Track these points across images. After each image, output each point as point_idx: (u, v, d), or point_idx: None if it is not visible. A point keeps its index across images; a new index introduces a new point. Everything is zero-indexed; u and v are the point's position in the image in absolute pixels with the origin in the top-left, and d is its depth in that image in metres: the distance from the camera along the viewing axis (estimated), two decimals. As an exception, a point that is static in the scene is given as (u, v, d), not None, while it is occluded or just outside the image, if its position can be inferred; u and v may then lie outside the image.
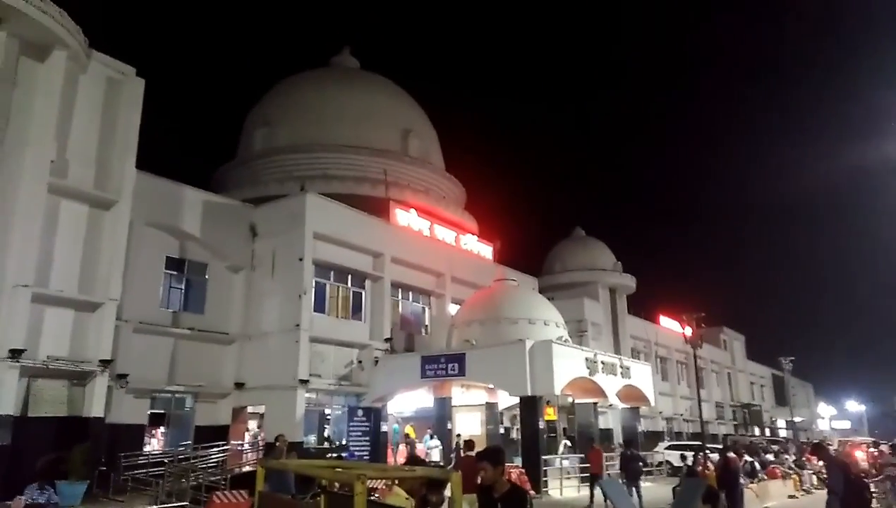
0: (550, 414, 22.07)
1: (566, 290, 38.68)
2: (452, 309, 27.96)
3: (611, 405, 24.94)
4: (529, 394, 19.73)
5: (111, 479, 16.28)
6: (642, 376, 25.49)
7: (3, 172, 15.98)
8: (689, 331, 24.22)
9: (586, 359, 21.71)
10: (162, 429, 20.33)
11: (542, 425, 20.57)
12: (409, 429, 24.17)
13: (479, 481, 5.52)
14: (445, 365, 21.34)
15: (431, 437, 21.19)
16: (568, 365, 20.58)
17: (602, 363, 22.50)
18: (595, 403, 24.23)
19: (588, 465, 18.68)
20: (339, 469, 5.46)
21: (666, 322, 46.53)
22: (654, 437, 35.70)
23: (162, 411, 20.32)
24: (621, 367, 23.76)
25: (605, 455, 19.25)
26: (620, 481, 16.85)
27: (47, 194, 16.55)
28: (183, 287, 21.82)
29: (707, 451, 21.22)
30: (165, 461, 17.47)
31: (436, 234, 28.97)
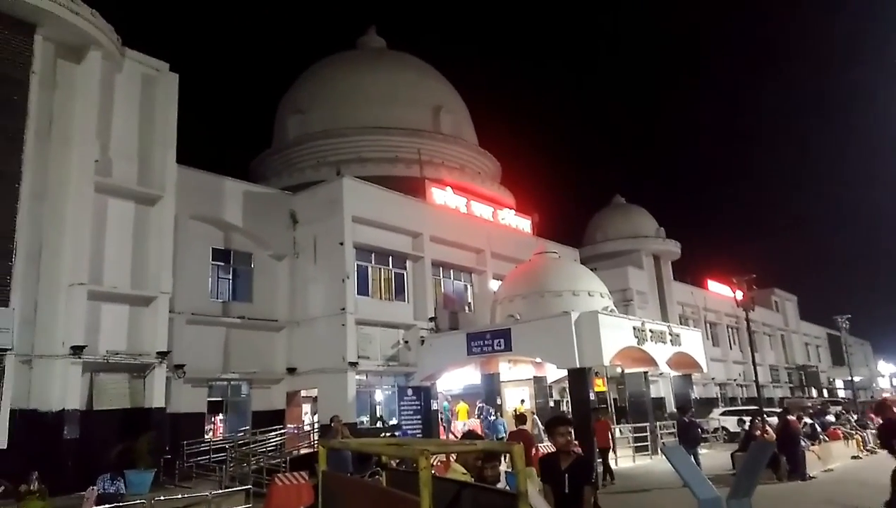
0: (600, 385, 21.84)
1: (609, 260, 38.17)
2: (494, 285, 27.85)
3: (661, 373, 24.60)
4: (577, 366, 19.57)
5: (176, 466, 16.84)
6: (693, 342, 25.02)
7: (52, 174, 16.43)
8: (739, 295, 23.58)
9: (634, 328, 21.40)
10: (221, 416, 20.91)
11: (591, 396, 20.40)
12: (460, 407, 24.31)
13: (554, 448, 5.46)
14: (491, 341, 21.33)
15: (493, 413, 21.19)
16: (615, 335, 20.31)
17: (650, 331, 22.14)
18: (646, 372, 23.91)
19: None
20: (401, 446, 5.46)
21: (714, 286, 45.57)
22: (707, 404, 35.17)
23: (219, 398, 20.88)
24: (670, 335, 23.35)
25: (641, 426, 18.81)
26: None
27: (94, 193, 16.95)
28: (230, 277, 22.25)
29: (765, 415, 20.76)
30: (226, 446, 17.98)
31: (473, 211, 28.79)
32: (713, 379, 40.60)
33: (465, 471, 5.95)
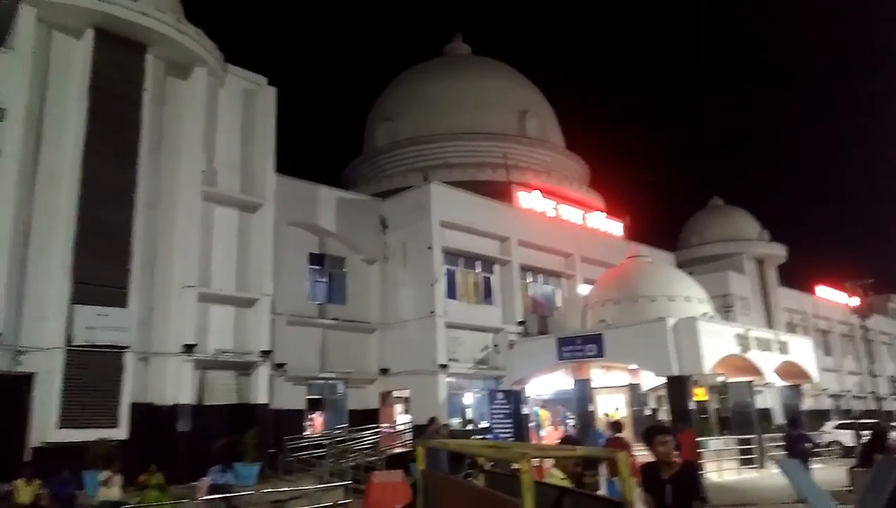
0: (700, 394, 20.86)
1: (706, 264, 36.44)
2: (584, 289, 27.30)
3: (768, 383, 23.18)
4: (675, 374, 18.80)
5: (279, 460, 17.59)
6: (802, 351, 23.43)
7: (163, 185, 17.65)
8: (854, 301, 21.88)
9: (737, 336, 20.29)
10: (319, 413, 21.68)
11: (692, 406, 19.54)
12: (541, 412, 24.01)
13: (655, 457, 5.26)
14: (582, 347, 20.86)
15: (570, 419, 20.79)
16: (716, 342, 19.33)
17: (755, 339, 20.91)
18: (750, 382, 22.61)
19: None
20: (500, 448, 5.43)
21: (824, 292, 42.53)
22: (818, 416, 32.78)
23: (318, 396, 21.66)
24: (778, 342, 21.96)
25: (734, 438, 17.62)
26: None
27: (202, 202, 18.08)
28: (325, 280, 23.05)
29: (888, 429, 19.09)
30: (324, 443, 18.62)
31: (561, 214, 28.36)
32: (825, 389, 37.79)
33: (563, 476, 5.84)
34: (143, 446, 14.60)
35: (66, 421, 14.42)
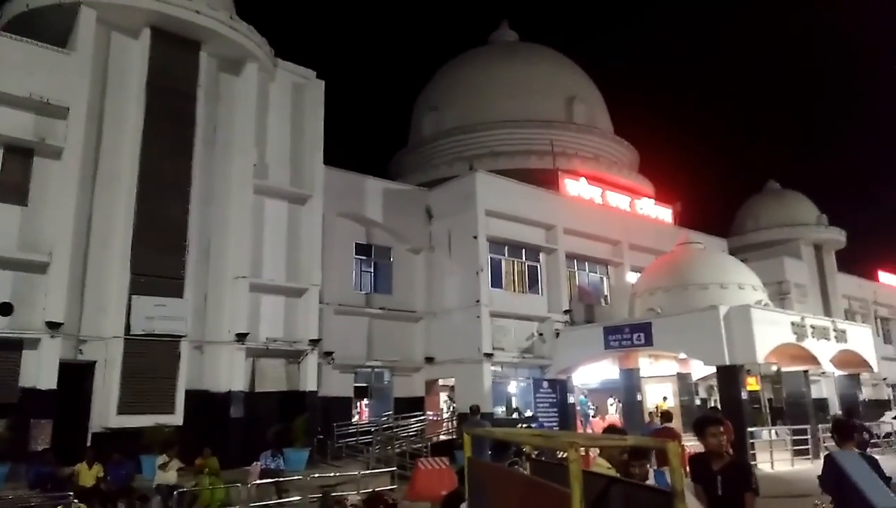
0: (753, 383, 20.36)
1: (761, 250, 35.31)
2: (632, 277, 26.87)
3: (824, 372, 22.44)
4: (727, 364, 18.39)
5: (327, 446, 18.02)
6: (861, 339, 22.56)
7: (217, 179, 18.16)
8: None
9: (792, 324, 19.68)
10: (366, 401, 22.08)
11: (744, 396, 19.09)
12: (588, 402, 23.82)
13: (704, 449, 5.19)
14: (630, 335, 20.61)
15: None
16: (770, 330, 18.80)
17: (811, 327, 20.25)
18: (805, 371, 21.93)
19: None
20: (547, 437, 5.43)
21: (887, 278, 40.71)
22: (878, 406, 31.57)
23: (364, 384, 22.04)
24: (835, 331, 21.21)
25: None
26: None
27: (253, 195, 18.54)
28: (372, 270, 23.36)
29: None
30: (371, 430, 18.97)
31: (608, 201, 27.90)
32: (885, 379, 36.27)
33: (609, 466, 5.81)
34: (198, 431, 15.13)
35: (125, 408, 15.07)
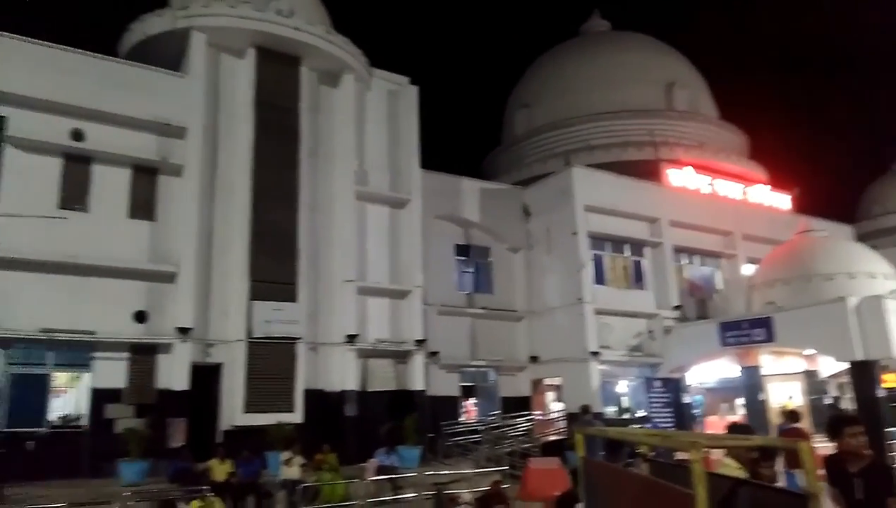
0: (891, 380, 18.56)
1: (892, 236, 32.28)
2: (747, 269, 25.36)
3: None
4: (859, 359, 16.95)
5: (437, 445, 18.31)
6: None
7: (321, 187, 18.96)
8: None
9: (932, 314, 17.79)
10: (472, 400, 22.23)
11: (880, 393, 17.49)
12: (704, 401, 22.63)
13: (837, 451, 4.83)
14: (749, 331, 19.48)
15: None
16: (908, 322, 17.12)
17: (958, 317, 18.21)
18: (954, 366, 19.75)
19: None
20: (666, 437, 5.23)
21: None
22: None
23: (470, 384, 22.19)
24: None
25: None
26: None
27: (355, 201, 19.22)
28: (472, 270, 23.48)
29: None
30: (479, 429, 19.08)
31: (717, 190, 26.51)
32: None
33: (738, 465, 5.51)
34: (316, 429, 15.89)
35: (250, 406, 16.07)
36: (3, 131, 14.81)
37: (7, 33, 15.29)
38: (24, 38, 15.44)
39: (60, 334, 14.61)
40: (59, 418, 15.08)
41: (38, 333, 14.43)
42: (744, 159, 33.15)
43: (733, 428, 6.92)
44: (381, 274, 19.56)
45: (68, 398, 15.38)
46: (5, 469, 12.20)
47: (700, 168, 26.94)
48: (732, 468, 5.50)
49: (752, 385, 20.12)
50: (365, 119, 20.40)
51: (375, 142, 20.53)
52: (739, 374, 20.81)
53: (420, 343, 19.14)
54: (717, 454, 7.33)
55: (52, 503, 10.67)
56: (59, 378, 15.38)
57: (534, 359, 22.81)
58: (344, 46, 19.30)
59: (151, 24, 17.84)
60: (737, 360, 20.72)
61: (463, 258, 23.31)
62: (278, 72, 18.41)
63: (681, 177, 25.73)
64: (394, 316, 19.44)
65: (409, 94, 21.40)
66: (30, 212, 14.64)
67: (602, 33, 38.27)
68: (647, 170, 25.70)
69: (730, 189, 26.89)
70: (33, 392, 14.75)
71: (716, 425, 20.59)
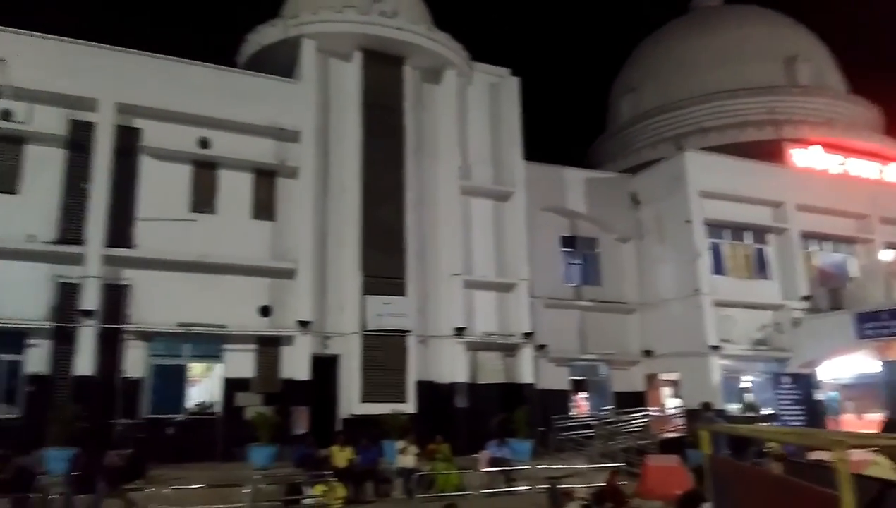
0: None
1: None
2: (886, 255, 23.09)
3: None
4: None
5: (549, 439, 18.15)
6: None
7: (427, 183, 19.27)
8: None
9: None
10: (583, 394, 21.81)
11: None
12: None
13: None
14: (889, 323, 17.89)
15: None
16: None
17: None
18: None
19: None
20: (805, 435, 4.89)
21: None
22: None
23: (581, 377, 21.78)
24: None
25: None
26: None
27: (460, 195, 19.37)
28: (579, 262, 23.00)
29: None
30: (592, 423, 18.69)
31: (849, 170, 24.35)
32: None
33: (893, 465, 5.06)
34: (428, 419, 16.25)
35: (366, 396, 16.68)
36: (140, 142, 16.33)
37: (140, 51, 16.75)
38: (154, 54, 16.86)
39: (195, 327, 15.86)
40: (196, 405, 16.41)
41: (176, 327, 15.74)
42: (878, 135, 30.14)
43: (890, 426, 6.32)
44: (486, 267, 19.61)
45: (203, 387, 16.70)
46: (148, 451, 13.30)
47: (829, 146, 24.86)
48: (885, 468, 5.05)
49: (893, 381, 18.34)
50: (467, 113, 20.50)
51: (478, 136, 20.58)
52: (880, 370, 19.04)
53: (528, 336, 19.02)
54: (858, 454, 6.77)
55: (192, 483, 11.52)
56: (195, 368, 16.72)
57: (647, 353, 22.02)
58: (445, 43, 19.49)
59: (266, 35, 18.88)
60: (876, 354, 18.98)
61: (569, 250, 22.89)
62: (383, 72, 18.90)
63: (807, 157, 23.91)
64: (500, 309, 19.45)
65: (511, 86, 21.24)
66: (165, 215, 16.03)
67: (713, 8, 36.09)
68: (768, 151, 24.07)
69: (864, 168, 24.70)
70: (172, 381, 16.15)
71: (853, 424, 18.96)
